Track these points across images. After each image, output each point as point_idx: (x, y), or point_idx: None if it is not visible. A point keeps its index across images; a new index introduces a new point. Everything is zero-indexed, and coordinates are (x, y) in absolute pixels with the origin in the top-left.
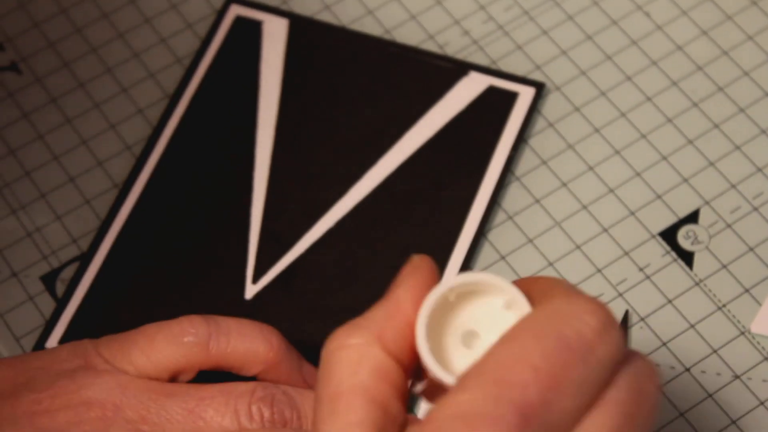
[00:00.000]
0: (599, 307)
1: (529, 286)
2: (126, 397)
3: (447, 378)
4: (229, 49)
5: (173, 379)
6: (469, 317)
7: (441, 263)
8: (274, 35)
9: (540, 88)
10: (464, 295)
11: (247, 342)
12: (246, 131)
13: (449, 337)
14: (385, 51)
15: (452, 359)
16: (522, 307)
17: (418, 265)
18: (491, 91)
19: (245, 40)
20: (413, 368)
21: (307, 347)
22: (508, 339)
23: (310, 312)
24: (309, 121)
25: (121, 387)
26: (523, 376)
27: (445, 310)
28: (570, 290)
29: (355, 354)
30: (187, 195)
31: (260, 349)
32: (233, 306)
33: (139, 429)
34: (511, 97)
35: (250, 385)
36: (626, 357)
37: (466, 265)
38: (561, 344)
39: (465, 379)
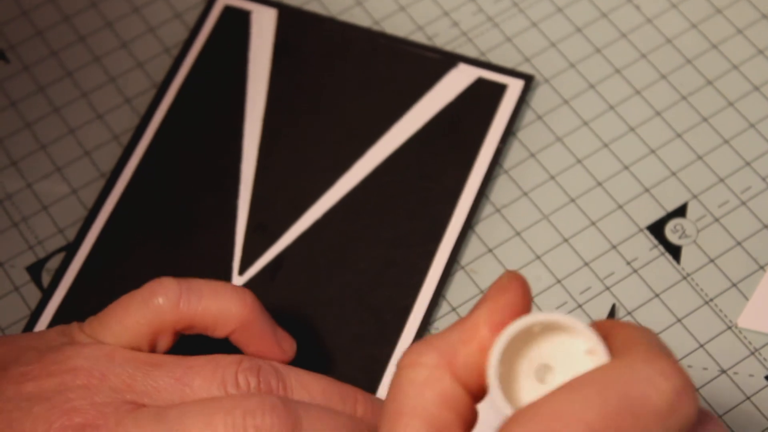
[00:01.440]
0: (677, 372)
1: (614, 331)
2: (112, 366)
3: (506, 409)
4: (217, 38)
5: (153, 345)
6: (549, 352)
7: (428, 256)
8: (263, 25)
9: (529, 80)
10: (549, 328)
11: (220, 300)
12: (234, 121)
13: (524, 365)
14: (374, 42)
15: (521, 389)
16: (601, 356)
17: (506, 285)
18: (480, 83)
19: (234, 29)
20: (482, 394)
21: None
22: (572, 386)
23: (297, 303)
24: (297, 111)
25: (107, 357)
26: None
27: (526, 338)
28: (651, 346)
29: (423, 375)
30: (174, 185)
31: (233, 308)
32: None
33: (125, 397)
34: (500, 89)
35: (236, 356)
36: (700, 421)
37: (454, 258)
38: (624, 406)
39: (520, 415)
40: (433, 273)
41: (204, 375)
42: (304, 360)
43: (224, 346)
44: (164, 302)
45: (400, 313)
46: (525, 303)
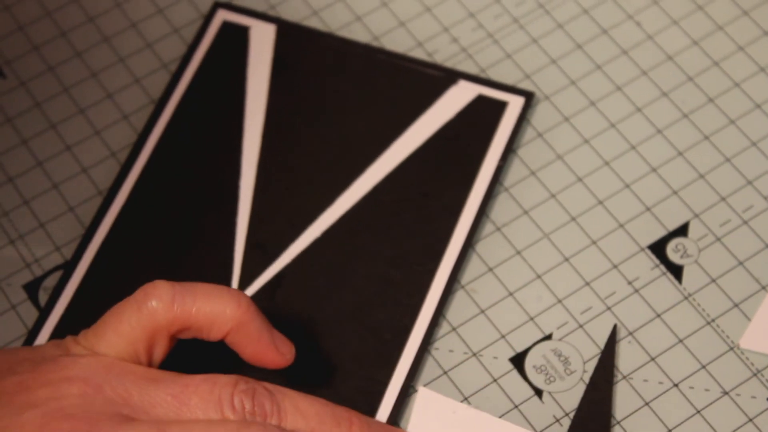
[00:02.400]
0: None
1: None
2: (109, 378)
3: None
4: (215, 54)
5: (150, 351)
6: None
7: (429, 274)
8: (262, 41)
9: (529, 97)
10: None
11: (214, 301)
12: (232, 138)
13: None
14: (374, 58)
15: None
16: None
17: None
18: (480, 100)
19: (232, 45)
20: None
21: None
22: None
23: (296, 322)
24: (296, 128)
25: (105, 368)
26: None
27: None
28: None
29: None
30: (172, 202)
31: (228, 309)
32: None
33: (121, 411)
34: (500, 107)
35: (233, 377)
36: None
37: (454, 277)
38: None
39: None
40: (434, 292)
41: (201, 394)
42: (302, 379)
43: (222, 351)
44: (158, 304)
45: (399, 332)
46: None
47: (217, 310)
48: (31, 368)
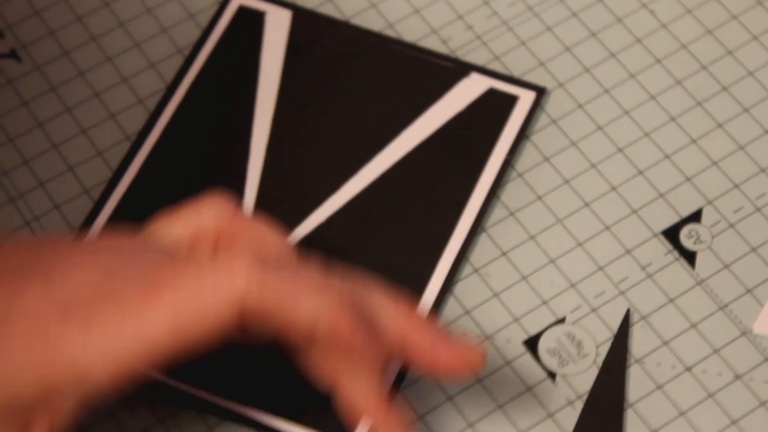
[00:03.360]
0: None
1: None
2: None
3: None
4: (230, 38)
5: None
6: None
7: (432, 262)
8: (277, 26)
9: (541, 92)
10: None
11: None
12: (243, 122)
13: None
14: (387, 47)
15: None
16: None
17: None
18: (491, 93)
19: (247, 30)
20: None
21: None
22: None
23: None
24: (306, 114)
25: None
26: None
27: None
28: None
29: None
30: (181, 184)
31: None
32: None
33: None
34: (511, 101)
35: None
36: None
37: (460, 260)
38: None
39: None
40: (436, 279)
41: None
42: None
43: None
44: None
45: None
46: None
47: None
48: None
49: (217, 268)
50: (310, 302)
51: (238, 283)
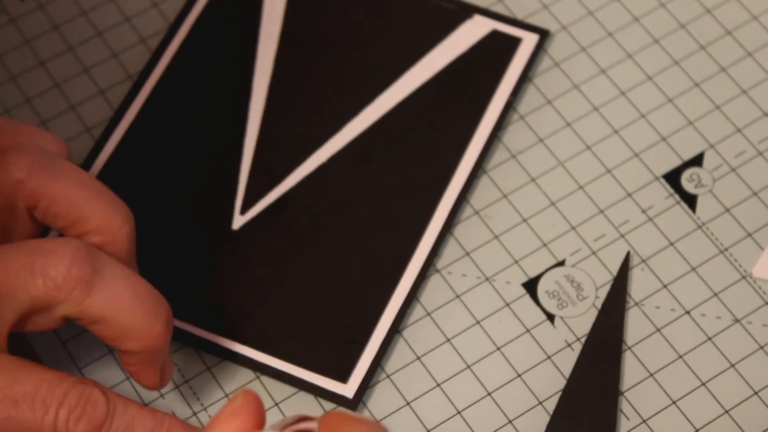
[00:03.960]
0: None
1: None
2: None
3: None
4: None
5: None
6: None
7: (431, 203)
8: None
9: (544, 34)
10: None
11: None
12: (244, 62)
13: None
14: None
15: None
16: None
17: (239, 409)
18: (494, 35)
19: None
20: None
21: (286, 283)
22: None
23: (297, 246)
24: (308, 56)
25: None
26: None
27: None
28: None
29: None
30: (182, 122)
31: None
32: (219, 235)
33: None
34: (514, 43)
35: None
36: None
37: (461, 201)
38: None
39: None
40: (437, 220)
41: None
42: (300, 303)
43: None
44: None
45: (399, 261)
46: (258, 423)
47: (105, 211)
48: None
49: None
50: None
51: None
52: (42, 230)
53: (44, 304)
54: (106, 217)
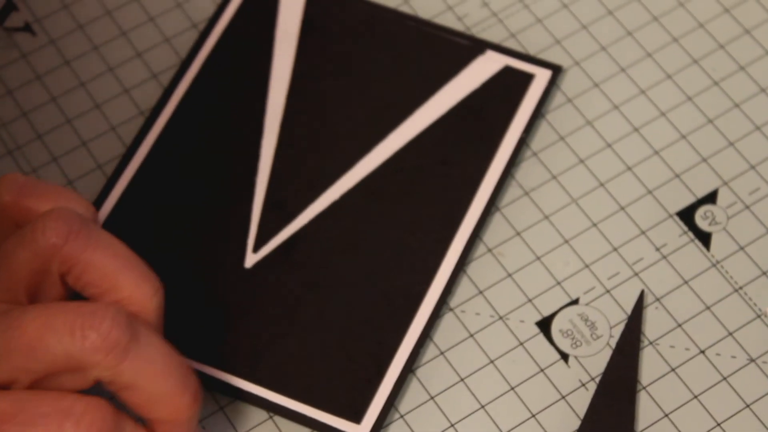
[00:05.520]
0: None
1: None
2: None
3: None
4: (245, 13)
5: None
6: None
7: (445, 241)
8: (292, 2)
9: (557, 71)
10: None
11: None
12: (257, 98)
13: None
14: (402, 24)
15: None
16: None
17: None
18: (507, 71)
19: (262, 5)
20: None
21: (299, 321)
22: None
23: (310, 284)
24: (321, 91)
25: None
26: None
27: None
28: None
29: None
30: (194, 158)
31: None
32: (232, 273)
33: None
34: (527, 79)
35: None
36: None
37: (474, 239)
38: None
39: None
40: (450, 257)
41: None
42: (311, 341)
43: None
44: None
45: (412, 299)
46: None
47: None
48: None
49: None
50: None
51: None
52: (70, 295)
53: (78, 364)
54: (138, 288)
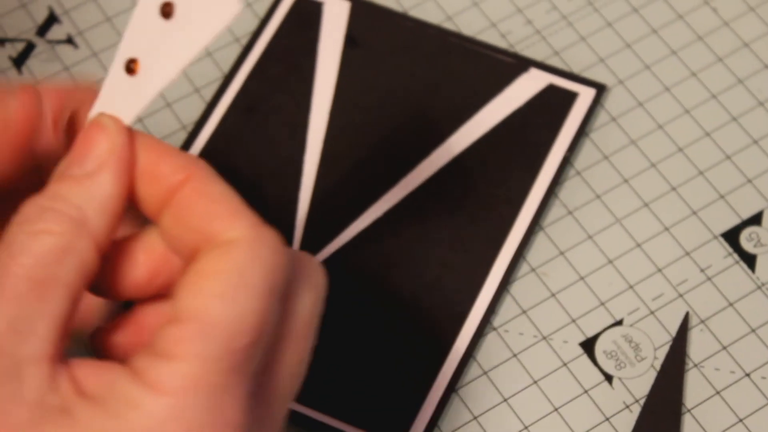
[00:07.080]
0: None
1: None
2: None
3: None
4: (287, 29)
5: None
6: None
7: (491, 257)
8: (335, 17)
9: (601, 89)
10: None
11: None
12: (300, 113)
13: None
14: (446, 41)
15: None
16: None
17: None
18: (551, 89)
19: (305, 21)
20: None
21: (342, 339)
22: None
23: (351, 302)
24: (364, 107)
25: None
26: None
27: None
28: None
29: (60, 242)
30: (236, 174)
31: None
32: None
33: None
34: (570, 97)
35: None
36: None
37: (517, 258)
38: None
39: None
40: (494, 276)
41: None
42: (354, 361)
43: None
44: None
45: (455, 318)
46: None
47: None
48: None
49: None
50: None
51: None
52: None
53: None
54: None
